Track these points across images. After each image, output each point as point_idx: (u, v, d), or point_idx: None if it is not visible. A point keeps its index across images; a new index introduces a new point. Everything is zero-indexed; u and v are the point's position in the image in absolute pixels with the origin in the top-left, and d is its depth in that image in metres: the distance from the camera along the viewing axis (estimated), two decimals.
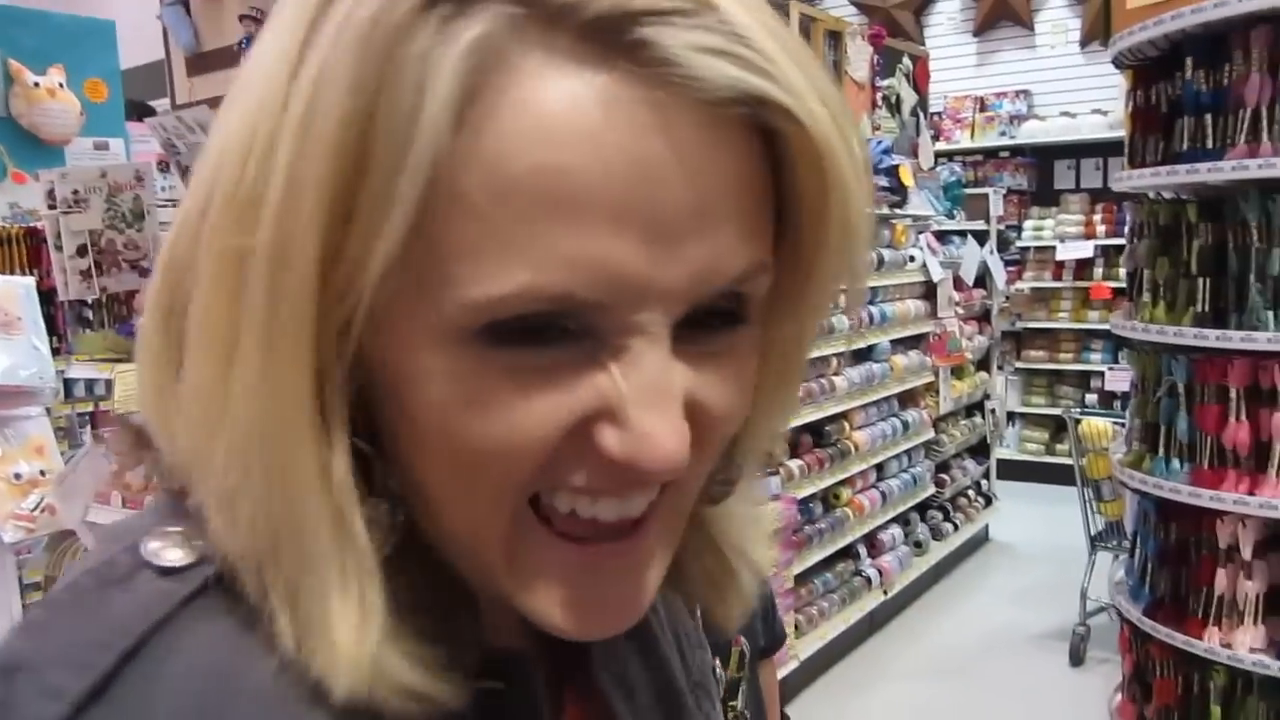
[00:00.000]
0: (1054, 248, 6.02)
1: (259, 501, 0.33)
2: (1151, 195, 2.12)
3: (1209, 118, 1.93)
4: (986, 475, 5.40)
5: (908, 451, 4.67)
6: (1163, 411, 1.99)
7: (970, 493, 5.21)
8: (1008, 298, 5.89)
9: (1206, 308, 1.91)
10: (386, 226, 0.31)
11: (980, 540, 5.39)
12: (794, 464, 3.77)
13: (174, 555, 0.36)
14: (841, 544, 4.09)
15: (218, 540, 0.35)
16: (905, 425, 4.57)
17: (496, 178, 0.31)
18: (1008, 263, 6.04)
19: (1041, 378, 6.39)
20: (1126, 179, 2.11)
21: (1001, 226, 5.78)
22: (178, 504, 0.37)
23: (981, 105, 6.33)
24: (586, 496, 0.36)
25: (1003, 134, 6.23)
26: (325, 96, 0.31)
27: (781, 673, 3.75)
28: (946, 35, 6.50)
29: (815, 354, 3.89)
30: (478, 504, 0.35)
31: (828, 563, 4.08)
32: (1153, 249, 2.05)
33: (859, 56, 5.21)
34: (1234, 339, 1.85)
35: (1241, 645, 1.86)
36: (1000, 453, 5.68)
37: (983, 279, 5.18)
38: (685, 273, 0.33)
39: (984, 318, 5.25)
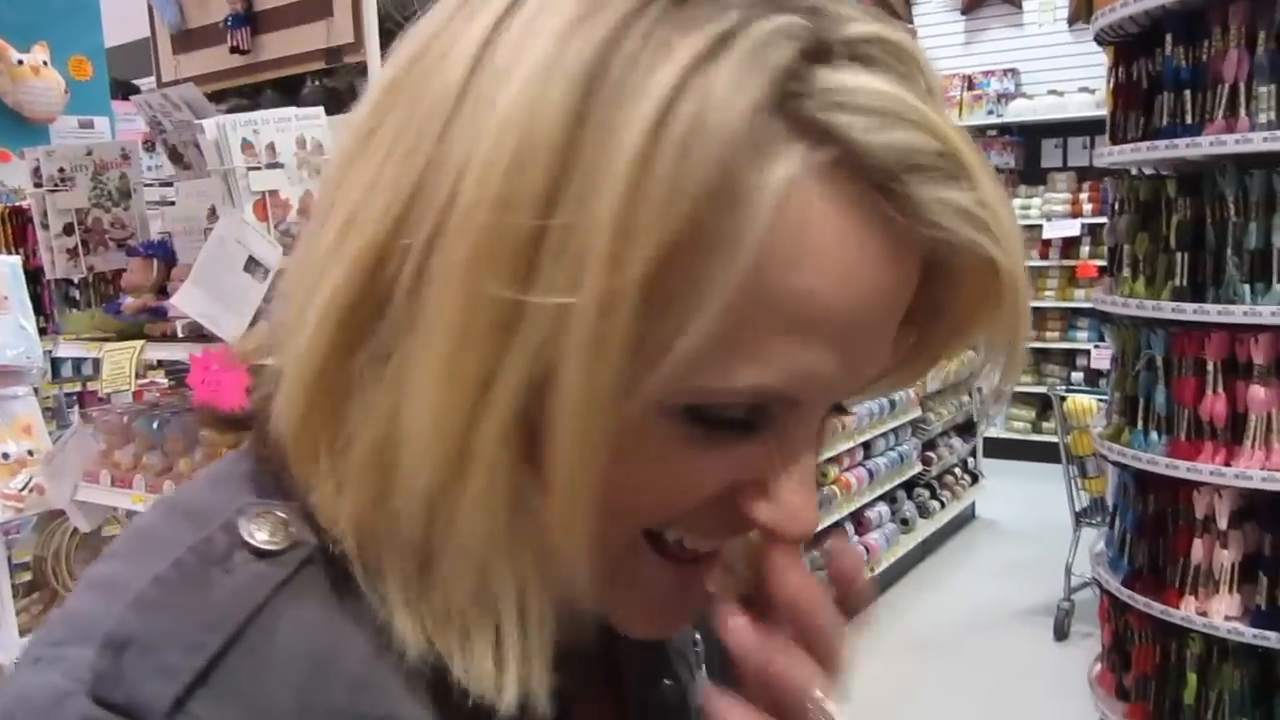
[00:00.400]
0: (1040, 226, 6.04)
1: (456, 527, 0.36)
2: (1132, 171, 2.14)
3: (1188, 94, 1.95)
4: (973, 453, 5.44)
5: (895, 430, 4.71)
6: (1141, 385, 2.01)
7: (957, 470, 5.26)
8: None
9: (1185, 282, 1.94)
10: (697, 323, 0.34)
11: (967, 518, 5.44)
12: None
13: (269, 538, 0.38)
14: (829, 522, 4.12)
15: (346, 531, 0.37)
16: (892, 404, 4.60)
17: (762, 290, 0.34)
18: None
19: (1028, 356, 6.43)
20: (1108, 155, 2.13)
21: None
22: (273, 483, 0.40)
23: (969, 84, 6.34)
24: (699, 534, 0.40)
25: (990, 112, 6.24)
26: (688, 172, 0.33)
27: None
28: (935, 13, 6.50)
29: None
30: (610, 534, 0.38)
31: (814, 540, 4.11)
32: (1133, 224, 2.07)
33: None
34: (1211, 312, 1.87)
35: (1217, 614, 1.89)
36: (987, 431, 5.71)
37: None
38: (863, 382, 0.40)
39: None
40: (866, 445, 4.58)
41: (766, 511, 0.39)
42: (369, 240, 0.37)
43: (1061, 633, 3.94)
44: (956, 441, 5.25)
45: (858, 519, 4.55)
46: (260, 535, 0.38)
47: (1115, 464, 2.07)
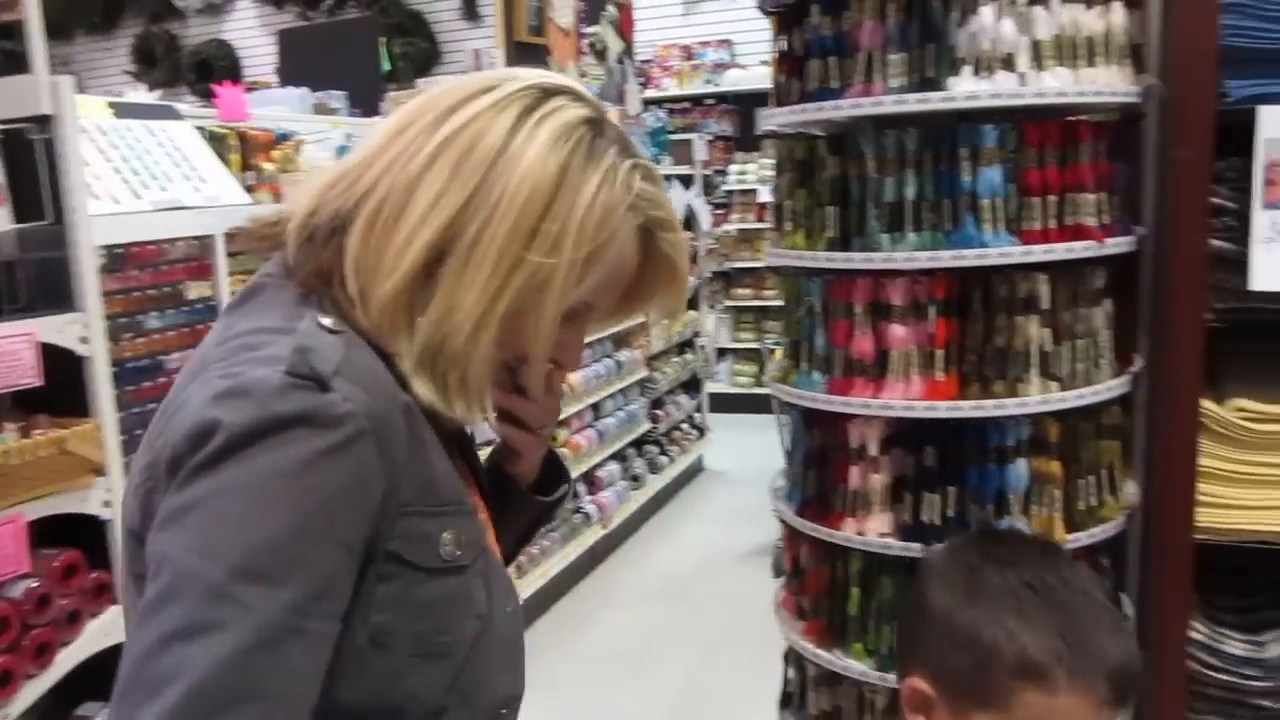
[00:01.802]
0: (755, 190, 6.36)
1: (459, 350, 0.84)
2: (791, 133, 2.30)
3: (833, 60, 2.12)
4: (699, 409, 5.71)
5: (623, 390, 4.86)
6: (803, 328, 2.18)
7: (684, 426, 5.50)
8: (716, 239, 6.19)
9: (836, 233, 2.12)
10: (593, 276, 0.89)
11: (695, 470, 5.70)
12: None
13: (334, 322, 0.83)
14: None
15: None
16: (619, 365, 4.74)
17: (605, 264, 0.91)
18: (716, 206, 6.34)
19: (749, 314, 6.80)
20: (770, 118, 2.28)
21: (708, 171, 6.04)
22: (310, 312, 0.84)
23: (688, 54, 6.56)
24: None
25: (708, 82, 6.50)
26: (602, 220, 0.87)
27: None
28: None
29: None
30: (547, 346, 0.91)
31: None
32: (792, 182, 2.23)
33: (564, 3, 5.24)
34: (857, 260, 2.06)
35: (872, 531, 2.09)
36: (712, 387, 6.01)
37: (690, 222, 5.43)
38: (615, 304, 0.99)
39: (692, 259, 5.50)
40: (596, 407, 4.69)
41: (562, 356, 0.96)
42: (445, 217, 0.82)
43: (779, 569, 4.21)
44: (684, 398, 5.48)
45: (590, 479, 4.66)
46: (329, 322, 0.82)
47: (786, 403, 2.24)
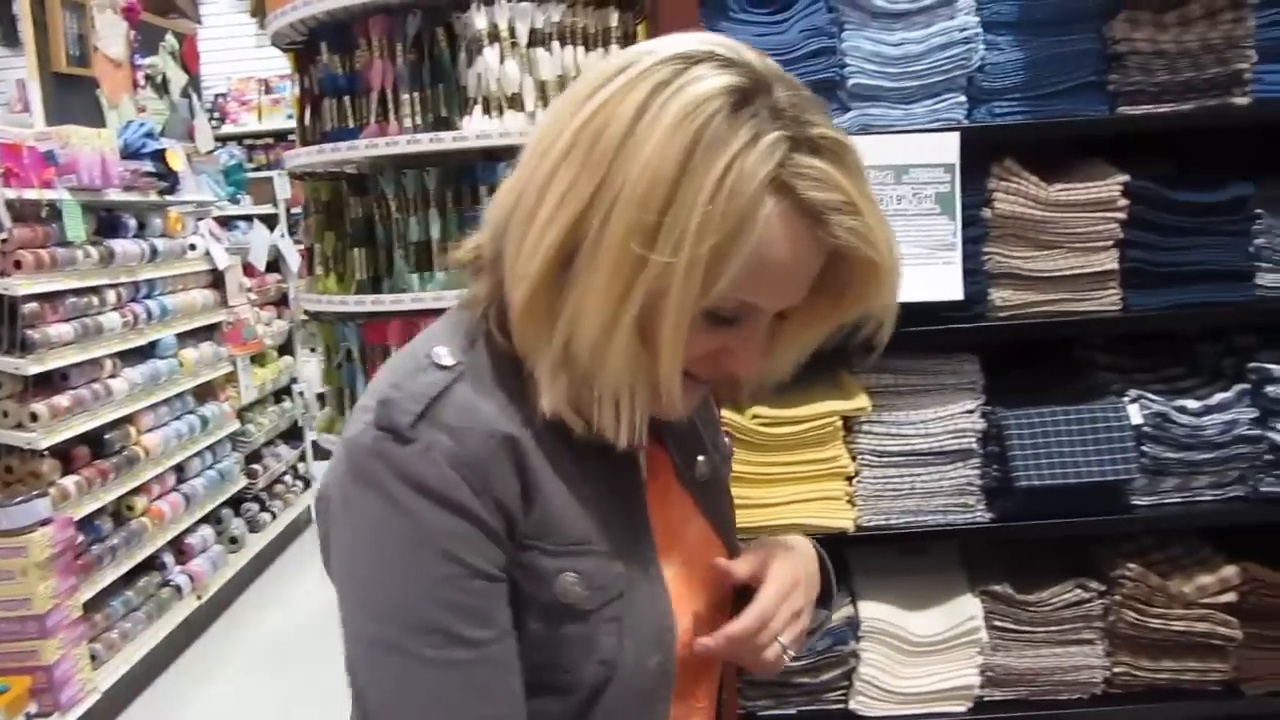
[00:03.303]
0: None
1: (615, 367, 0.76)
2: (317, 173, 2.23)
3: (347, 100, 2.07)
4: (303, 458, 5.43)
5: (211, 447, 4.50)
6: (344, 376, 2.11)
7: (287, 479, 5.21)
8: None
9: (366, 275, 2.07)
10: (726, 276, 0.73)
11: (303, 524, 5.42)
12: (68, 481, 3.40)
13: (449, 360, 0.78)
14: (141, 557, 3.82)
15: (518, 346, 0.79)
16: (204, 421, 4.39)
17: (750, 263, 0.73)
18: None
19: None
20: (293, 158, 2.19)
21: (296, 209, 5.80)
22: (464, 325, 0.82)
23: (266, 87, 6.28)
24: (702, 371, 0.80)
25: (290, 115, 6.24)
26: (729, 208, 0.71)
27: (81, 708, 3.41)
28: (225, 14, 6.31)
29: (85, 357, 3.54)
30: (677, 356, 0.77)
31: (127, 580, 3.78)
32: (320, 224, 2.16)
33: (112, 31, 4.80)
34: (386, 302, 2.02)
35: None
36: (315, 435, 5.76)
37: (277, 263, 5.16)
38: (787, 304, 0.80)
39: (282, 301, 5.24)
40: (179, 468, 4.31)
41: (732, 362, 0.80)
42: (570, 215, 0.73)
43: None
44: (284, 449, 5.19)
45: (178, 547, 4.27)
46: (444, 358, 0.78)
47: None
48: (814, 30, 1.64)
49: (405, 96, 2.04)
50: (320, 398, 6.02)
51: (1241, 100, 1.62)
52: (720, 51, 0.75)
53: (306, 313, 2.18)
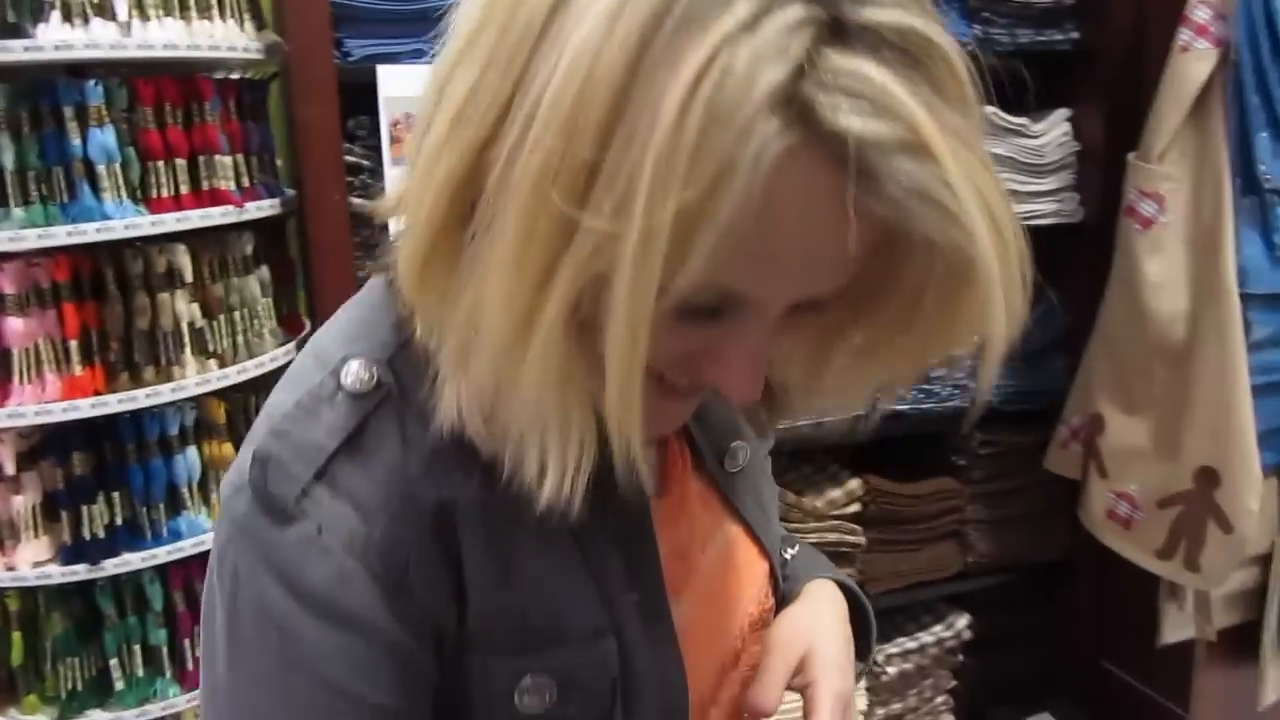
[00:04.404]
0: None
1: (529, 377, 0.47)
2: None
3: None
4: None
5: None
6: None
7: None
8: None
9: None
10: (699, 252, 0.42)
11: None
12: None
13: (362, 382, 0.56)
14: None
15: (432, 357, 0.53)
16: None
17: (735, 231, 0.43)
18: None
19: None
20: None
21: None
22: (389, 313, 0.58)
23: None
24: (680, 377, 0.55)
25: None
26: (707, 141, 0.41)
27: None
28: None
29: None
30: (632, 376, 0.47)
31: None
32: None
33: None
34: None
35: (26, 563, 1.78)
36: None
37: None
38: (803, 293, 0.50)
39: None
40: None
41: (714, 372, 0.53)
42: (472, 136, 0.47)
43: None
44: None
45: None
46: (357, 383, 0.56)
47: None
48: None
49: None
50: None
51: None
52: None
53: None
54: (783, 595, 0.80)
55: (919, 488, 2.52)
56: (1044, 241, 2.60)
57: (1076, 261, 2.61)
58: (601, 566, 0.61)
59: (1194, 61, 2.08)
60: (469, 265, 0.48)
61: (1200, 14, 2.07)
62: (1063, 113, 2.55)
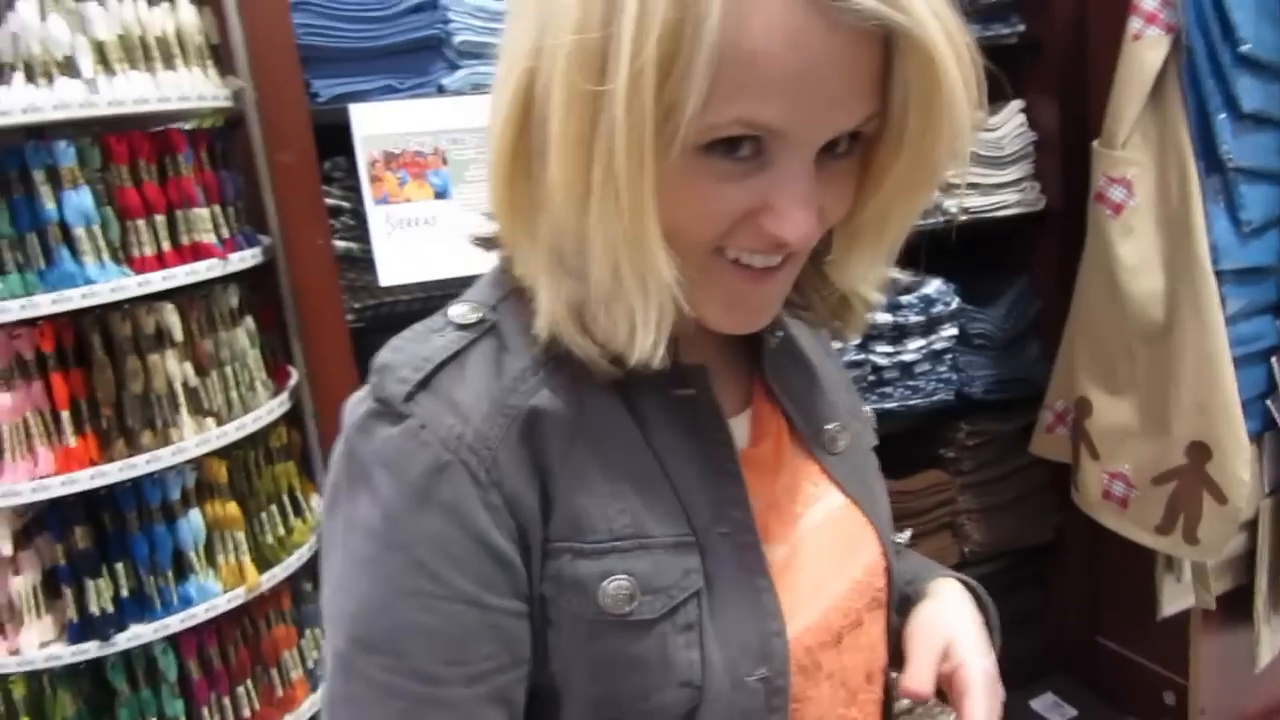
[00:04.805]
0: None
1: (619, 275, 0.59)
2: None
3: None
4: None
5: None
6: None
7: None
8: None
9: None
10: (692, 81, 0.53)
11: None
12: None
13: (466, 317, 0.66)
14: None
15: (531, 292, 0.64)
16: None
17: (728, 53, 0.52)
18: None
19: None
20: None
21: None
22: (497, 277, 0.70)
23: None
24: (746, 250, 0.61)
25: None
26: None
27: None
28: None
29: None
30: (683, 252, 0.59)
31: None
32: None
33: None
34: None
35: (31, 645, 1.71)
36: None
37: None
38: (828, 129, 0.57)
39: None
40: None
41: (771, 222, 0.59)
42: (520, 72, 0.60)
43: None
44: None
45: None
46: (462, 316, 0.67)
47: None
48: None
49: None
50: None
51: None
52: None
53: None
54: (904, 595, 0.83)
55: (910, 483, 2.55)
56: (1010, 232, 2.69)
57: (1043, 248, 2.68)
58: (687, 490, 0.66)
59: (1147, 49, 2.13)
60: (535, 178, 0.61)
61: (1148, 2, 2.14)
62: (1016, 104, 2.61)
